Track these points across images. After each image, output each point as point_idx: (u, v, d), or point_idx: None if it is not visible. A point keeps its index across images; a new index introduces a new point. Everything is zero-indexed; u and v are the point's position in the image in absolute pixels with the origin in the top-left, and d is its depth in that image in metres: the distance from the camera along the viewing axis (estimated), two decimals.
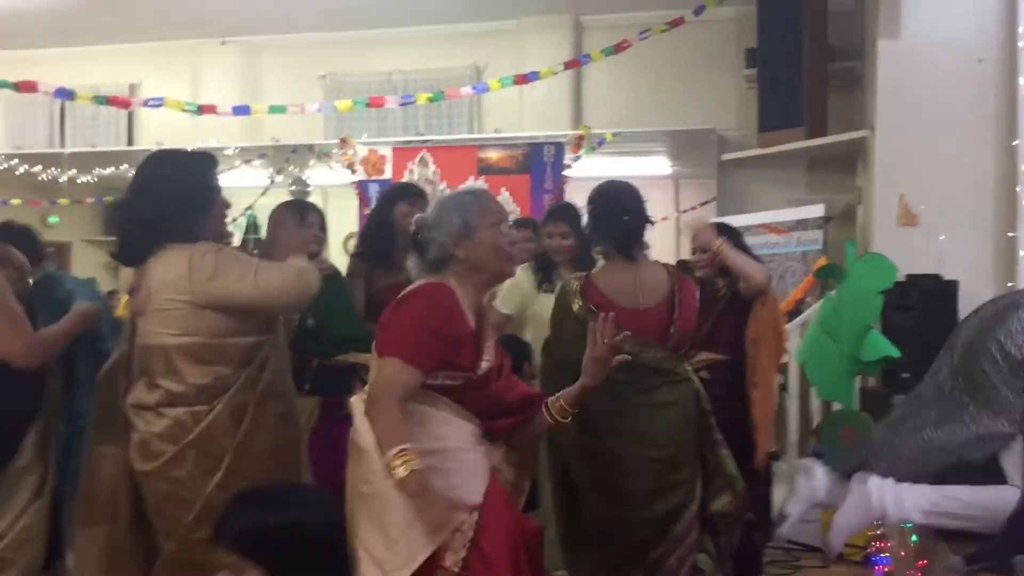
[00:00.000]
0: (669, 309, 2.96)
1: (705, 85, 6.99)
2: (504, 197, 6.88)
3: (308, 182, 7.45)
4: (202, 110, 5.45)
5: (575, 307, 2.93)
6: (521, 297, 3.89)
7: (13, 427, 2.51)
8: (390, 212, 3.69)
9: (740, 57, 6.74)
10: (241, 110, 5.62)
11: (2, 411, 2.48)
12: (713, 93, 6.96)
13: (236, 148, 7.32)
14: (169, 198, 2.40)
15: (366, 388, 2.32)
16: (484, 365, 2.32)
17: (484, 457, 2.31)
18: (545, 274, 3.92)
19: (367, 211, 6.60)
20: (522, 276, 3.86)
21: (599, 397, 2.54)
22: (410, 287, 2.38)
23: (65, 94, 5.26)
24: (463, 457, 2.26)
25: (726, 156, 6.78)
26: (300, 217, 3.25)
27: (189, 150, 2.84)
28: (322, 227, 3.38)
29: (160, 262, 2.39)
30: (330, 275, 3.19)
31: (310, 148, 7.35)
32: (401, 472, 2.06)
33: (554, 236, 3.88)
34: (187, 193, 2.43)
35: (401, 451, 2.07)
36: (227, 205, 2.60)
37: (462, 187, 3.59)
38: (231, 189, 3.65)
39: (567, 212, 3.96)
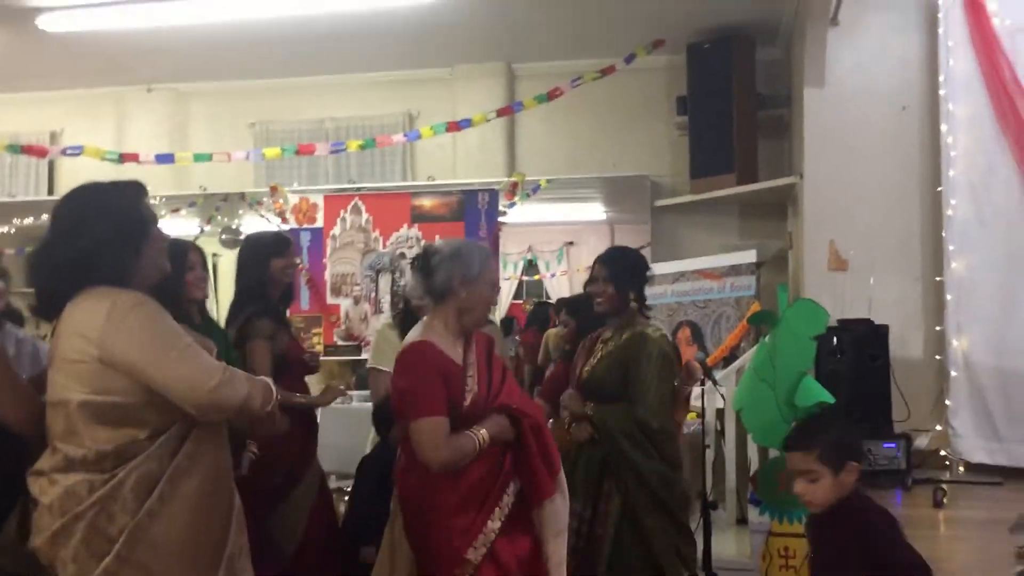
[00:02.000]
0: None
1: (638, 132, 7.04)
2: None
3: (239, 231, 7.30)
4: (124, 159, 5.30)
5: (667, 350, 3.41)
6: (393, 351, 3.85)
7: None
8: (266, 268, 3.51)
9: (672, 105, 6.81)
10: (165, 159, 5.48)
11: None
12: (646, 140, 7.02)
13: (162, 197, 7.14)
14: (92, 236, 2.07)
15: None
16: (468, 397, 2.63)
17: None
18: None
19: (299, 260, 6.47)
20: (390, 332, 3.91)
21: None
22: (404, 344, 2.68)
23: None
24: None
25: (659, 202, 6.83)
26: (183, 258, 3.03)
27: (113, 180, 2.28)
28: (204, 267, 3.20)
29: (78, 307, 2.06)
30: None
31: (241, 196, 7.21)
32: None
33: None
34: (114, 228, 2.09)
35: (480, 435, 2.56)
36: (165, 239, 2.25)
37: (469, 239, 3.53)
38: None
39: None
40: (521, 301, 8.39)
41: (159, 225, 2.24)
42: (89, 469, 2.03)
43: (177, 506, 2.07)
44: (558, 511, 2.69)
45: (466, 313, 2.69)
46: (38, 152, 5.59)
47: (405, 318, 3.83)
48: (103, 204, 2.14)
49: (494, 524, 2.58)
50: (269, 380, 2.23)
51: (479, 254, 2.73)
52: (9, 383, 2.16)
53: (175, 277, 2.85)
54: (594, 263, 3.61)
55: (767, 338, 4.80)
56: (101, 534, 2.00)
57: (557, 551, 2.67)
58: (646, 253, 6.76)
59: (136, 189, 2.27)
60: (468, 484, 2.59)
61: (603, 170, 7.05)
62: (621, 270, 3.50)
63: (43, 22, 5.82)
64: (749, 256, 5.95)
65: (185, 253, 3.08)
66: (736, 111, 6.26)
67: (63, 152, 5.21)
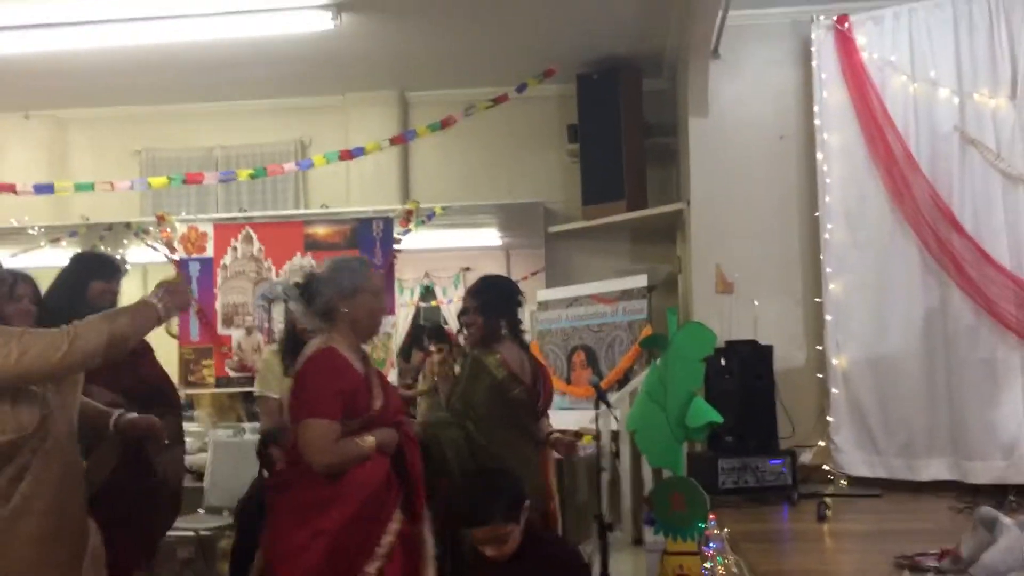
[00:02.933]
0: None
1: (531, 160, 7.14)
2: None
3: (126, 260, 7.06)
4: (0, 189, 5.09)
5: (499, 375, 3.65)
6: (276, 379, 3.83)
7: None
8: (84, 289, 3.49)
9: (563, 133, 6.94)
10: (44, 189, 5.28)
11: None
12: (539, 167, 7.12)
13: (41, 228, 6.87)
14: None
15: None
16: (377, 404, 2.76)
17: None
18: (292, 358, 3.87)
19: (189, 289, 6.30)
20: (274, 359, 3.91)
21: None
22: (304, 355, 2.75)
23: None
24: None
25: (553, 228, 6.93)
26: (8, 288, 2.95)
27: None
28: (33, 300, 3.06)
29: None
30: None
31: (127, 225, 6.98)
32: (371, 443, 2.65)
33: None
34: None
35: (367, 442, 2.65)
36: None
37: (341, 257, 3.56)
38: (37, 269, 3.41)
39: None
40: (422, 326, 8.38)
41: None
42: None
43: (17, 551, 2.10)
44: (428, 535, 2.77)
45: (356, 325, 2.81)
46: None
47: (288, 343, 3.81)
48: None
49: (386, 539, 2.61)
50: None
51: (354, 267, 2.86)
52: None
53: None
54: (465, 295, 3.79)
55: (658, 361, 4.93)
56: None
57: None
58: (541, 278, 6.91)
59: None
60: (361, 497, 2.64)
61: (498, 197, 7.12)
62: (489, 300, 3.65)
63: None
64: (640, 280, 6.09)
65: (11, 284, 3.00)
66: (625, 139, 6.42)
67: None
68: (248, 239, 6.73)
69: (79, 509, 2.31)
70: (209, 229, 6.75)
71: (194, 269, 6.65)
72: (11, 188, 5.08)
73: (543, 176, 7.13)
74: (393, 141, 5.87)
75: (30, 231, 6.80)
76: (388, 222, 6.76)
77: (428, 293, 8.49)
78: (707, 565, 4.13)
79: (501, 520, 2.34)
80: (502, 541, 2.31)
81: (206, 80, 6.72)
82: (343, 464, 2.63)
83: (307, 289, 2.86)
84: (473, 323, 3.72)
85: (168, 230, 6.71)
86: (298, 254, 6.73)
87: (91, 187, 5.39)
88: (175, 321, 6.42)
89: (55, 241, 6.92)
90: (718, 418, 4.40)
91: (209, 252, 6.67)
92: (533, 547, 2.36)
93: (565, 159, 7.02)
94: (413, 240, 6.84)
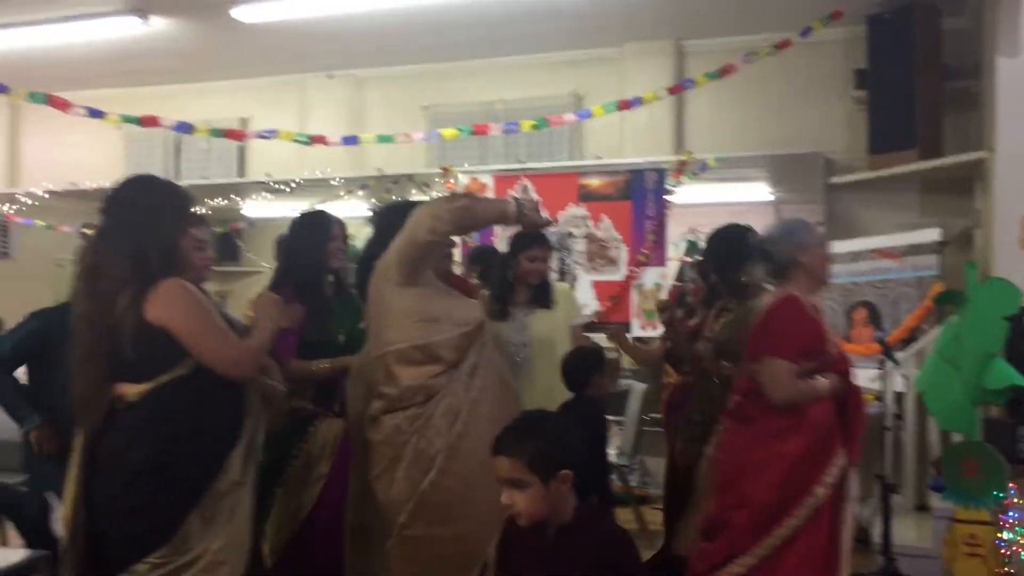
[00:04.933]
0: None
1: (812, 108, 6.83)
2: (606, 224, 6.86)
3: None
4: (313, 141, 5.59)
5: None
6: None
7: (219, 447, 2.47)
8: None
9: (849, 78, 6.59)
10: (349, 140, 5.75)
11: (211, 430, 2.45)
12: (820, 116, 6.80)
13: (340, 179, 7.49)
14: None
15: None
16: (832, 349, 2.98)
17: None
18: (503, 303, 3.94)
19: (469, 239, 6.66)
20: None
21: None
22: (767, 303, 2.98)
23: (185, 127, 5.48)
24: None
25: (834, 180, 6.61)
26: (325, 230, 3.40)
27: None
28: (344, 239, 3.48)
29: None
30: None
31: (410, 178, 7.45)
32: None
33: (537, 260, 3.95)
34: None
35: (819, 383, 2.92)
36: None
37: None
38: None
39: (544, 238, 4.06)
40: (680, 284, 8.32)
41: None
42: (405, 406, 2.60)
43: (475, 432, 2.58)
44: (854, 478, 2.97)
45: (811, 276, 3.06)
46: (236, 136, 5.98)
47: (500, 288, 3.97)
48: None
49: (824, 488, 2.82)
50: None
51: (807, 225, 3.16)
52: (215, 327, 2.48)
53: (317, 246, 3.21)
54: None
55: (953, 319, 4.62)
56: (424, 455, 2.57)
57: (850, 516, 2.93)
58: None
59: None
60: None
61: (773, 148, 6.88)
62: (721, 253, 3.74)
63: (237, 13, 6.21)
64: (932, 234, 5.69)
65: (328, 224, 3.42)
66: (919, 83, 5.99)
67: (258, 135, 5.55)
68: (525, 189, 6.99)
69: (516, 396, 2.88)
70: (489, 180, 7.08)
71: None
72: (322, 140, 5.58)
73: (824, 125, 6.81)
74: (671, 91, 5.83)
75: (332, 182, 7.44)
76: (661, 173, 6.77)
77: (693, 248, 8.41)
78: (1005, 536, 3.88)
79: (526, 463, 2.14)
80: (517, 486, 2.12)
81: (488, 36, 7.00)
82: (799, 400, 2.87)
83: (764, 250, 3.13)
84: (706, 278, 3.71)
85: (452, 181, 7.11)
86: (571, 204, 6.91)
87: (391, 139, 5.81)
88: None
89: (351, 192, 7.53)
90: (1021, 381, 4.09)
91: None
92: (580, 529, 2.16)
93: (849, 106, 6.66)
94: (680, 194, 6.80)
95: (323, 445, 3.15)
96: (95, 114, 5.22)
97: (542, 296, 3.97)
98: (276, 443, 3.16)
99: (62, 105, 5.07)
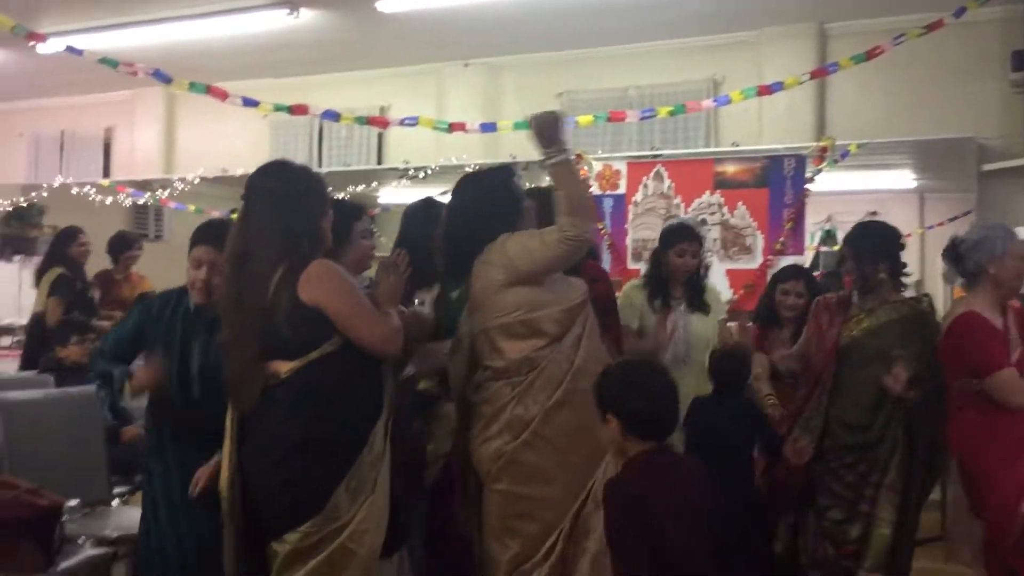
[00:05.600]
0: None
1: (964, 91, 6.54)
2: (741, 211, 6.73)
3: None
4: (452, 128, 5.71)
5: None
6: (634, 311, 4.00)
7: (365, 421, 2.55)
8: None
9: (1005, 60, 6.27)
10: (488, 127, 5.84)
11: (357, 405, 2.54)
12: (974, 100, 6.50)
13: (475, 165, 7.59)
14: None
15: None
16: (1014, 356, 3.16)
17: None
18: (658, 294, 3.99)
19: (602, 226, 6.66)
20: (634, 293, 4.05)
21: None
22: (951, 318, 3.23)
23: (331, 115, 5.67)
24: None
25: (988, 166, 6.31)
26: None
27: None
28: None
29: (492, 251, 2.80)
30: None
31: (540, 164, 7.48)
32: None
33: (685, 254, 3.98)
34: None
35: None
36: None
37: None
38: None
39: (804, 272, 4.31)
40: (816, 273, 8.11)
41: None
42: (510, 376, 2.70)
43: (576, 399, 2.67)
44: None
45: (999, 286, 3.19)
46: (380, 123, 6.15)
47: (654, 278, 3.97)
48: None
49: None
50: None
51: (1001, 234, 3.21)
52: (364, 306, 2.58)
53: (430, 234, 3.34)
54: (843, 243, 3.70)
55: None
56: (519, 420, 2.68)
57: None
58: (969, 220, 6.34)
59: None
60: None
61: (918, 133, 6.62)
62: (865, 246, 3.54)
63: (382, 4, 6.40)
64: None
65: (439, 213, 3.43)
66: None
67: (400, 122, 5.70)
68: (659, 177, 6.93)
69: None
70: (622, 167, 7.05)
71: (607, 205, 6.99)
72: (461, 127, 5.68)
73: (977, 109, 6.51)
74: (813, 75, 5.67)
75: (467, 168, 7.54)
76: (800, 160, 6.58)
77: (829, 238, 8.17)
78: None
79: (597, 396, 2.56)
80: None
81: (622, 23, 6.97)
82: None
83: (954, 251, 3.26)
84: (851, 271, 3.58)
85: (585, 168, 7.12)
86: (707, 192, 6.80)
87: (527, 125, 5.82)
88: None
89: None
90: None
91: (621, 189, 6.96)
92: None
93: (1006, 89, 6.35)
94: (819, 182, 6.61)
95: (447, 427, 3.22)
96: (249, 103, 5.47)
97: (697, 297, 4.00)
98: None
99: (221, 95, 5.34)
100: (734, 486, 3.21)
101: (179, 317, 3.00)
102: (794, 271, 4.41)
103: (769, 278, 4.72)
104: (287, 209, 2.55)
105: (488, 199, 2.88)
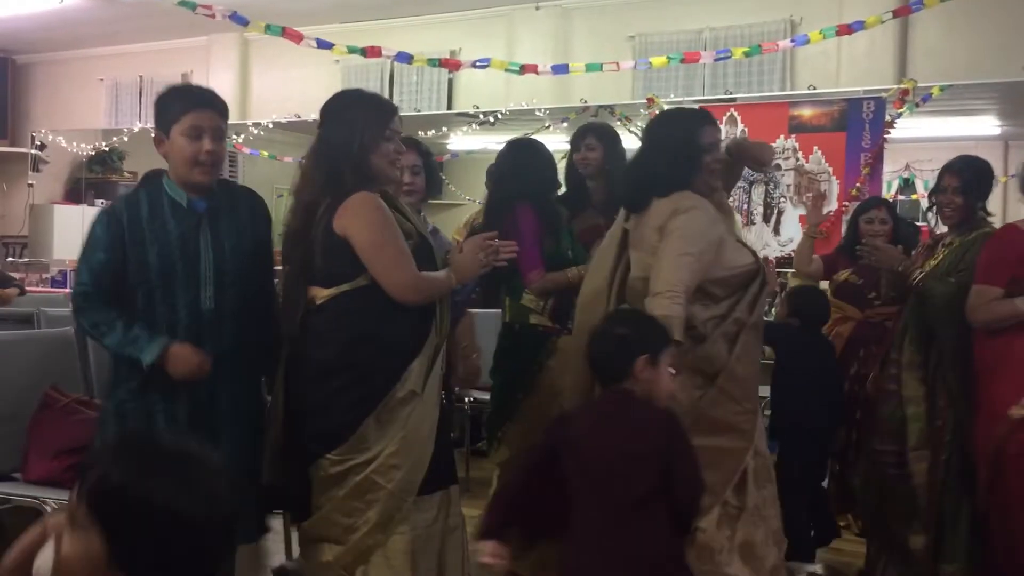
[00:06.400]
0: None
1: None
2: (816, 156, 6.60)
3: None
4: (523, 70, 5.68)
5: None
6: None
7: (400, 356, 2.51)
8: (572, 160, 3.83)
9: None
10: (560, 69, 5.80)
11: (391, 339, 2.50)
12: None
13: (545, 110, 7.58)
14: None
15: None
16: None
17: None
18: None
19: None
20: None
21: None
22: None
23: (404, 58, 5.68)
24: None
25: None
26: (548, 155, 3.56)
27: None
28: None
29: (657, 205, 2.76)
30: None
31: (611, 111, 7.42)
32: None
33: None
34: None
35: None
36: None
37: None
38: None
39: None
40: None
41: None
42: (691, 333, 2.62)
43: (753, 354, 2.78)
44: None
45: None
46: (452, 65, 6.17)
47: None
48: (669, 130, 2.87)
49: None
50: None
51: None
52: (396, 250, 2.51)
53: (549, 166, 3.42)
54: (942, 172, 3.53)
55: None
56: (702, 374, 2.66)
57: None
58: None
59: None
60: None
61: (1006, 75, 6.38)
62: (971, 179, 3.44)
63: None
64: None
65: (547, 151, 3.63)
66: None
67: (472, 65, 5.69)
68: (732, 121, 6.81)
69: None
70: None
71: None
72: (533, 69, 5.65)
73: None
74: (896, 13, 5.49)
75: (537, 112, 7.54)
76: (880, 103, 6.41)
77: (907, 186, 7.97)
78: None
79: None
80: None
81: None
82: (993, 321, 3.04)
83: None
84: (951, 203, 3.47)
85: (655, 112, 7.04)
86: (782, 136, 6.67)
87: (599, 67, 5.80)
88: None
89: (560, 122, 7.60)
90: None
91: None
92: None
93: None
94: (898, 128, 6.43)
95: (564, 360, 3.23)
96: (323, 45, 5.51)
97: None
98: (517, 356, 3.42)
99: (295, 37, 5.39)
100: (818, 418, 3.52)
101: (167, 214, 2.57)
102: (876, 200, 4.46)
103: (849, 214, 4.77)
104: (336, 137, 2.54)
105: (671, 144, 2.80)
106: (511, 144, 3.78)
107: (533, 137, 3.85)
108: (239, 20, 5.36)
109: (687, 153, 2.75)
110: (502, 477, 3.42)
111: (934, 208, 3.56)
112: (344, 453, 2.48)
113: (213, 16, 5.36)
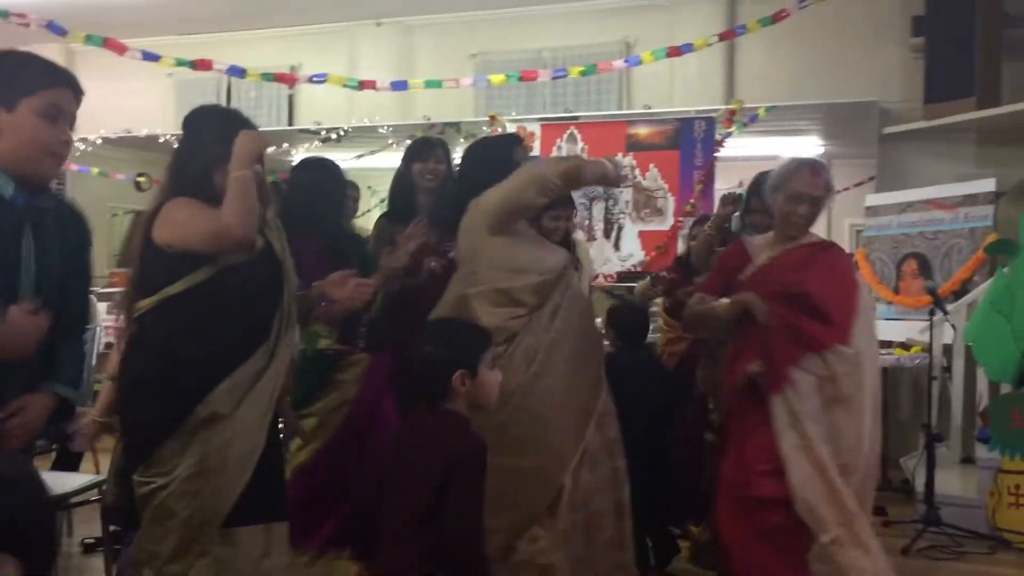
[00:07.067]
0: None
1: (866, 56, 6.69)
2: (653, 173, 6.82)
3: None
4: (362, 86, 5.62)
5: None
6: None
7: (202, 377, 2.36)
8: (408, 171, 3.68)
9: (905, 25, 6.44)
10: (399, 85, 5.77)
11: (194, 358, 2.36)
12: (875, 64, 6.66)
13: (388, 127, 7.52)
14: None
15: None
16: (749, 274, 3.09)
17: None
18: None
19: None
20: None
21: None
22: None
23: (237, 71, 5.52)
24: None
25: (888, 129, 6.50)
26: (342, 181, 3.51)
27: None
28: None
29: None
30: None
31: (457, 128, 7.46)
32: None
33: (560, 219, 4.13)
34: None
35: None
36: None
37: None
38: (383, 170, 3.79)
39: None
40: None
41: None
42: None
43: (555, 367, 2.73)
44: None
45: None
46: (288, 80, 6.03)
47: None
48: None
49: None
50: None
51: (781, 170, 3.03)
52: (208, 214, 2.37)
53: (338, 196, 3.46)
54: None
55: (1006, 269, 4.56)
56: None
57: None
58: (862, 190, 6.53)
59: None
60: None
61: (827, 96, 6.76)
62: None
63: None
64: (987, 185, 5.58)
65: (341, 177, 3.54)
66: (979, 30, 5.84)
67: (310, 80, 5.58)
68: (572, 139, 6.97)
69: (598, 341, 3.08)
70: (536, 129, 7.06)
71: None
72: (372, 85, 5.60)
73: (879, 73, 6.67)
74: (722, 37, 5.74)
75: (380, 130, 7.47)
76: (711, 123, 6.69)
77: (741, 201, 8.29)
78: None
79: None
80: None
81: None
82: (692, 320, 3.14)
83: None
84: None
85: (499, 129, 7.10)
86: (620, 154, 6.86)
87: (439, 84, 5.81)
88: None
89: (400, 141, 7.55)
90: None
91: (536, 151, 6.97)
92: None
93: (906, 54, 6.52)
94: (729, 147, 6.73)
95: (355, 376, 3.25)
96: (149, 57, 5.28)
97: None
98: (307, 381, 3.28)
99: (119, 48, 5.14)
100: (643, 437, 3.30)
101: None
102: (706, 217, 4.61)
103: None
104: (181, 145, 2.53)
105: (488, 167, 2.95)
106: (308, 167, 3.58)
107: (326, 159, 3.66)
108: (56, 30, 5.07)
109: (503, 170, 2.88)
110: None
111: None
112: (145, 475, 2.34)
113: (28, 25, 5.06)
